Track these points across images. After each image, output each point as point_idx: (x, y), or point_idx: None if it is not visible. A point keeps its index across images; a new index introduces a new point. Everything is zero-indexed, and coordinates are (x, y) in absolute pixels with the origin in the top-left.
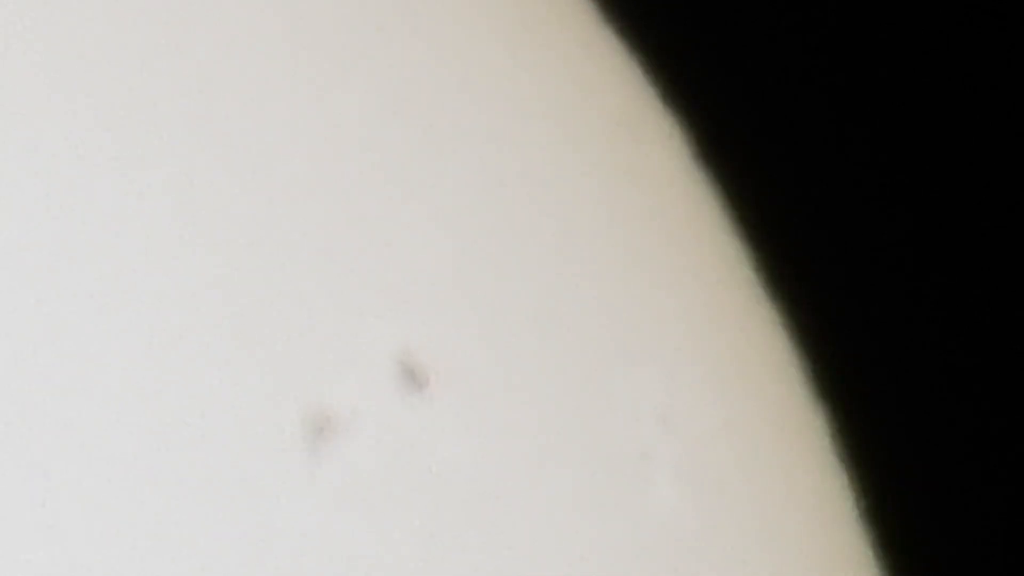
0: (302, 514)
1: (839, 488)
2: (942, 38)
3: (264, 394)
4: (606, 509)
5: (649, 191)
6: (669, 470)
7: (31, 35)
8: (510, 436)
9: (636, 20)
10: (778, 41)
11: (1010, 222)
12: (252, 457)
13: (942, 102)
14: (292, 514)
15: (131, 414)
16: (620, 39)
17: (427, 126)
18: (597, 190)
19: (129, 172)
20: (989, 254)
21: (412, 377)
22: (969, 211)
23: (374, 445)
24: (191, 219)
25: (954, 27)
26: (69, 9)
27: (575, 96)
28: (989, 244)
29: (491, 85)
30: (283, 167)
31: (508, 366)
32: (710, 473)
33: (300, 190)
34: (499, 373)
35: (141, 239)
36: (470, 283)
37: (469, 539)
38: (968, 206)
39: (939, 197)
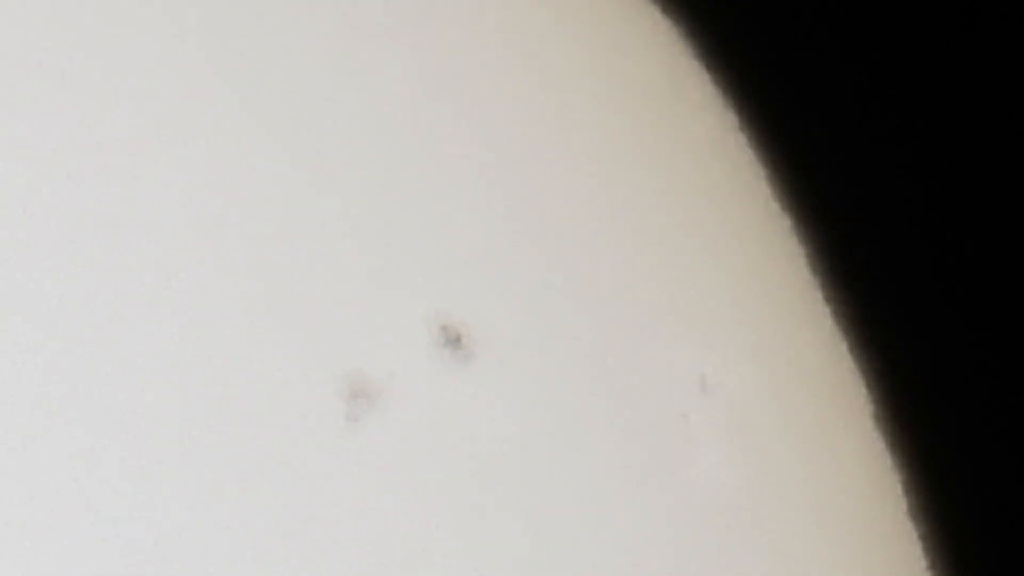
0: (339, 480)
1: (880, 454)
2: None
3: (302, 360)
4: (647, 474)
5: (692, 157)
6: (710, 435)
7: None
8: (549, 401)
9: None
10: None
11: None
12: (290, 424)
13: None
14: (329, 480)
15: (168, 383)
16: (665, 7)
17: (465, 90)
18: (639, 155)
19: (165, 143)
20: None
21: (450, 342)
22: None
23: (412, 411)
24: (227, 187)
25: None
26: None
27: (618, 61)
28: None
29: (530, 50)
30: (320, 134)
31: (548, 331)
32: (751, 438)
33: (338, 156)
34: (539, 338)
35: (178, 208)
36: (510, 248)
37: (508, 505)
38: None
39: (997, 179)
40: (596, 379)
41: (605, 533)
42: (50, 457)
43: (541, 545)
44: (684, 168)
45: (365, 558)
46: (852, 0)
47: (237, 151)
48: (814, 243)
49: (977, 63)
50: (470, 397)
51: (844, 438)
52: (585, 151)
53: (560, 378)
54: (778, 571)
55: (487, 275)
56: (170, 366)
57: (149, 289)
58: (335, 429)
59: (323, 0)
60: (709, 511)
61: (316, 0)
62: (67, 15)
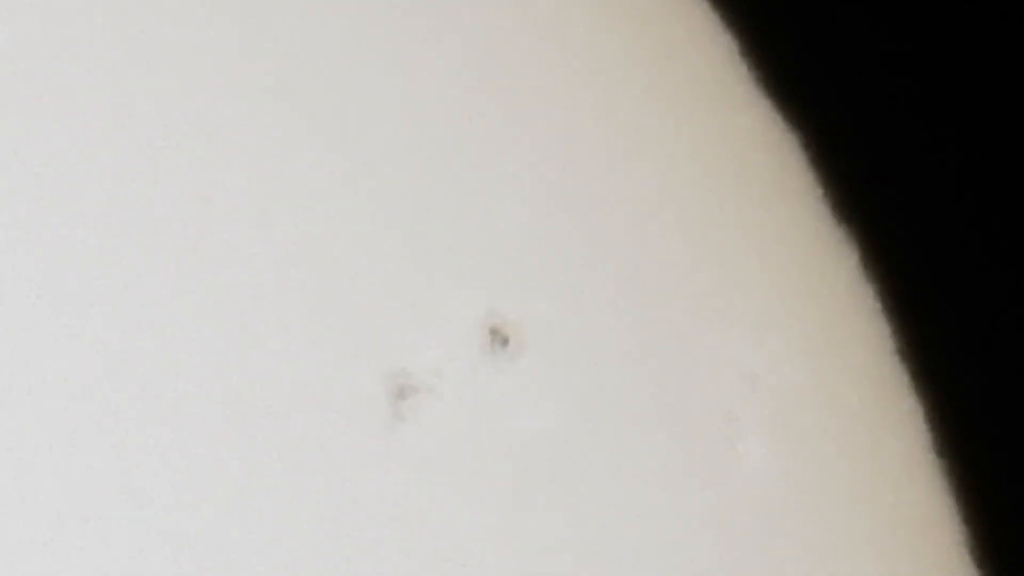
0: (384, 475)
1: (922, 446)
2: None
3: (348, 357)
4: (694, 468)
5: (740, 158)
6: (755, 430)
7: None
8: (596, 398)
9: None
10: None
11: None
12: (336, 419)
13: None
14: (374, 475)
15: (216, 378)
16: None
17: (509, 91)
18: (687, 156)
19: (211, 137)
20: None
21: (496, 340)
22: None
23: (457, 407)
24: (275, 184)
25: None
26: None
27: (662, 60)
28: None
29: (574, 52)
30: (366, 133)
31: (594, 328)
32: (796, 432)
33: (384, 156)
34: (585, 335)
35: (226, 204)
36: (556, 247)
37: (554, 500)
38: None
39: None
40: (645, 377)
41: (653, 526)
42: (99, 453)
43: (589, 538)
44: (732, 169)
45: (408, 554)
46: (897, 6)
47: (287, 151)
48: (861, 242)
49: None
50: (516, 395)
51: (889, 434)
52: (634, 153)
53: (608, 377)
54: (822, 564)
55: (535, 275)
56: (219, 364)
57: (198, 288)
58: (381, 427)
59: (374, 8)
60: (755, 505)
61: (368, 8)
62: (120, 13)
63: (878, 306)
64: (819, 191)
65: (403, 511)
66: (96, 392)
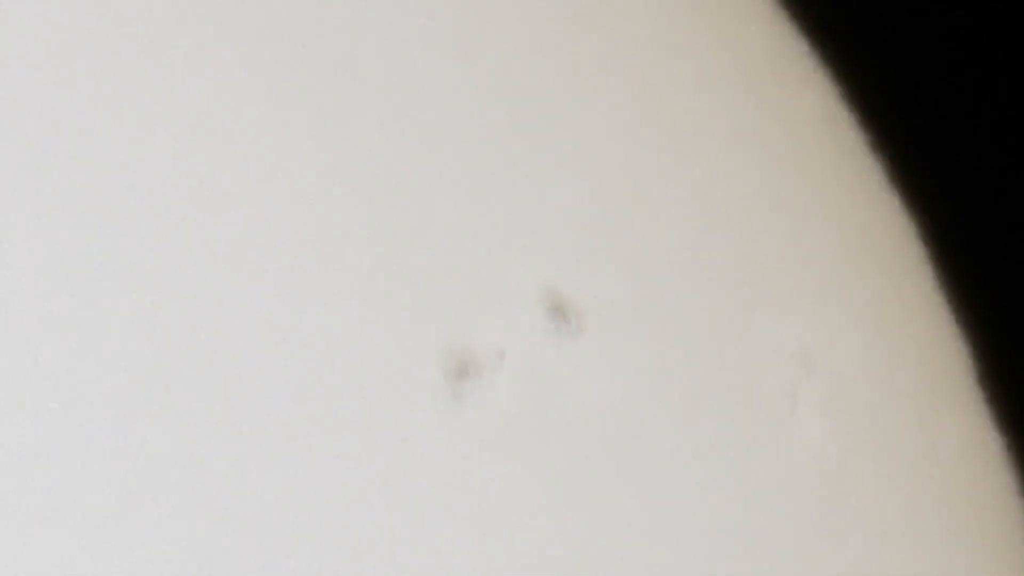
0: (445, 454)
1: (982, 424)
2: None
3: (409, 334)
4: (752, 447)
5: (794, 132)
6: (814, 409)
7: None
8: (656, 376)
9: None
10: None
11: None
12: (396, 398)
13: None
14: (435, 454)
15: (274, 355)
16: None
17: (569, 65)
18: (743, 130)
19: (272, 112)
20: None
21: (557, 317)
22: None
23: (519, 385)
24: (336, 160)
25: None
26: None
27: (718, 34)
28: None
29: (630, 26)
30: (427, 109)
31: (653, 305)
32: (854, 412)
33: (444, 131)
34: (645, 312)
35: (286, 179)
36: (616, 223)
37: (614, 478)
38: None
39: None
40: (702, 354)
41: (711, 503)
42: (158, 433)
43: (649, 517)
44: (787, 145)
45: (470, 536)
46: None
47: (344, 123)
48: (920, 218)
49: None
50: (578, 373)
51: (947, 412)
52: (689, 129)
53: (666, 353)
54: (880, 543)
55: (594, 250)
56: (274, 346)
57: (252, 260)
58: (441, 404)
59: None
60: (813, 483)
61: None
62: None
63: (936, 283)
64: (878, 168)
65: (462, 493)
66: (143, 367)
